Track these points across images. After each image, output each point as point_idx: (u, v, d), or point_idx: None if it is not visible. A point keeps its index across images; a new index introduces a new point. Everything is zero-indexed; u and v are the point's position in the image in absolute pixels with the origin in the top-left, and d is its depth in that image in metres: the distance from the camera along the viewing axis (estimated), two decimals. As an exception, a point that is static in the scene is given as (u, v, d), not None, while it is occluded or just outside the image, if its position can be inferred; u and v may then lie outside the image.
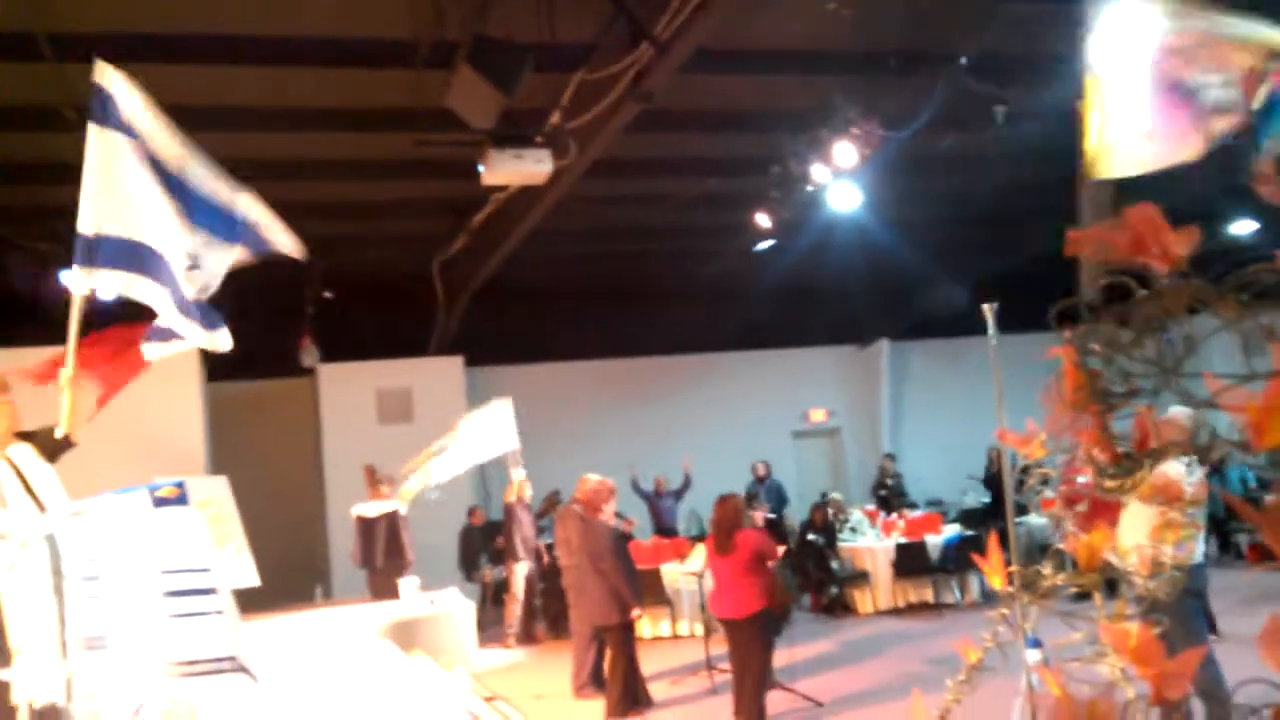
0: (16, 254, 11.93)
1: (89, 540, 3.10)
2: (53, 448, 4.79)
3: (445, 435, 11.61)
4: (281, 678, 5.43)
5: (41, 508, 4.37)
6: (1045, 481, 2.79)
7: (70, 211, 11.51)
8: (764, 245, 13.46)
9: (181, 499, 2.92)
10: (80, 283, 4.67)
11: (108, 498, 3.09)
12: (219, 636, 2.80)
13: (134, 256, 4.71)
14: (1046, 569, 2.63)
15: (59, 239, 11.92)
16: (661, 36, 7.18)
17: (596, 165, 9.89)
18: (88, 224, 4.75)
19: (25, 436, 4.76)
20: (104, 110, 4.78)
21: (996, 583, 2.73)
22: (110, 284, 4.62)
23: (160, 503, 2.93)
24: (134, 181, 4.76)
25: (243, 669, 2.82)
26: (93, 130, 4.77)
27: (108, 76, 4.85)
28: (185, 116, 9.50)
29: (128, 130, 4.78)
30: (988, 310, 5.05)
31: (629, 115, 8.33)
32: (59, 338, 5.03)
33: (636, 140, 9.87)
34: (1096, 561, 2.61)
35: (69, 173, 10.60)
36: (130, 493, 2.99)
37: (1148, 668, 2.03)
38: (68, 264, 12.31)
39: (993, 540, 2.73)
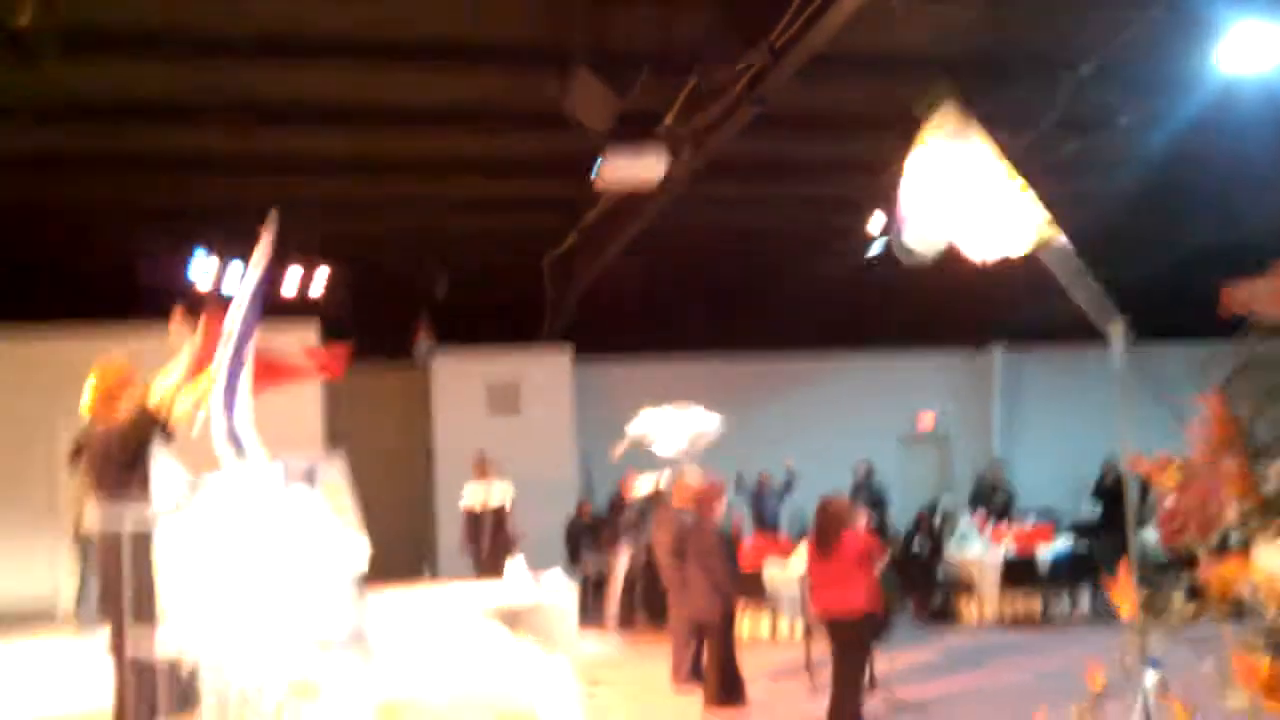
0: (152, 245, 12.48)
1: (222, 514, 3.33)
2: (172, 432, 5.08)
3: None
4: (395, 653, 5.65)
5: (179, 486, 4.68)
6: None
7: (192, 202, 11.99)
8: (876, 248, 13.36)
9: (311, 478, 3.12)
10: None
11: (241, 474, 3.30)
12: (342, 612, 2.98)
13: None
14: (1176, 596, 2.63)
15: (180, 229, 12.54)
16: (777, 42, 7.24)
17: (709, 166, 9.98)
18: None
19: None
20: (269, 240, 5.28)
21: (1125, 609, 2.74)
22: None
23: (291, 482, 3.13)
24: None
25: (363, 644, 3.00)
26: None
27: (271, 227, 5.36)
28: (314, 114, 9.99)
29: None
30: (1116, 326, 4.96)
31: (743, 118, 8.40)
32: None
33: (749, 142, 9.92)
34: (1229, 593, 2.60)
35: (204, 167, 11.19)
36: (266, 470, 3.19)
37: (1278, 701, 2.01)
38: (189, 252, 12.72)
39: (1124, 566, 2.73)
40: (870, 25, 7.79)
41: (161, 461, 4.71)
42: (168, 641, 3.90)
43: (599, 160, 8.49)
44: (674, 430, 11.77)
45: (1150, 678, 4.14)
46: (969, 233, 5.66)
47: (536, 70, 8.33)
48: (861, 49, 8.65)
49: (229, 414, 4.87)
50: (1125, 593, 2.71)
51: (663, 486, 12.14)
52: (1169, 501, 3.25)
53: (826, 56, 7.87)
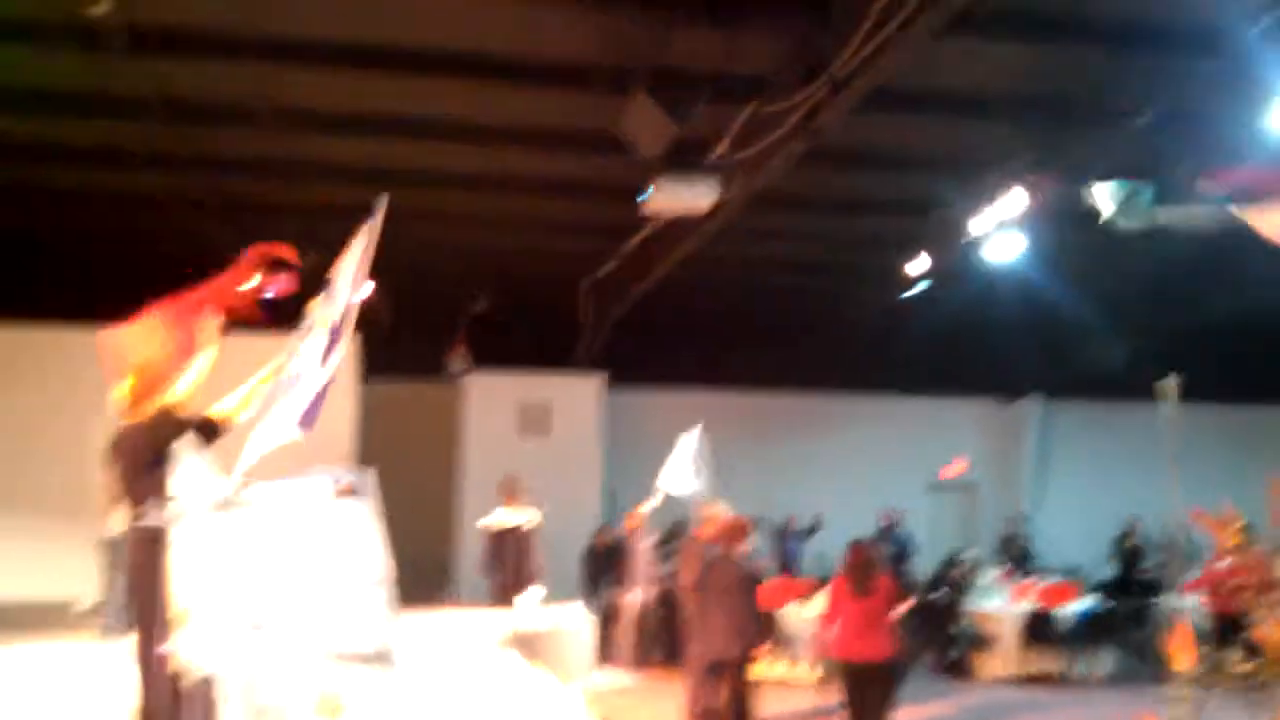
0: (197, 246, 12.51)
1: (261, 524, 3.23)
2: (213, 433, 4.95)
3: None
4: (416, 674, 5.53)
5: (209, 491, 4.56)
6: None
7: (250, 206, 12.03)
8: (918, 290, 13.22)
9: (359, 493, 3.02)
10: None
11: (288, 484, 3.21)
12: (376, 629, 2.87)
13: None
14: (1236, 656, 2.51)
15: (237, 230, 12.56)
16: (839, 73, 7.15)
17: (755, 197, 9.89)
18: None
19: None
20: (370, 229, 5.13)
21: (1183, 664, 2.62)
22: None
23: (339, 495, 3.03)
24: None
25: (391, 662, 2.89)
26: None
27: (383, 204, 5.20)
28: (367, 124, 9.97)
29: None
30: (1169, 384, 4.83)
31: (796, 150, 8.30)
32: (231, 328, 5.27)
33: (798, 174, 9.83)
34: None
35: (250, 169, 11.19)
36: (311, 480, 3.10)
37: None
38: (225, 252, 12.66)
39: (1180, 627, 2.61)
40: (932, 62, 7.71)
41: (190, 464, 4.62)
42: (192, 651, 3.79)
43: (648, 186, 8.41)
44: (681, 469, 11.70)
45: None
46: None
47: (593, 91, 8.27)
48: (919, 87, 8.57)
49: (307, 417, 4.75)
50: (1183, 647, 2.59)
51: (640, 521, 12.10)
52: (1225, 561, 3.15)
53: (885, 92, 7.78)
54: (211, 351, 4.90)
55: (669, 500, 12.36)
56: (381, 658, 2.84)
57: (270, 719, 3.30)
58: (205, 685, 3.82)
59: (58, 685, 7.76)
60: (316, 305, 4.95)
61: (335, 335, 4.63)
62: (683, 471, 11.72)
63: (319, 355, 4.60)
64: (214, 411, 4.93)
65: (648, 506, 12.17)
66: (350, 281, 4.85)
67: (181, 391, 4.80)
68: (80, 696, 7.12)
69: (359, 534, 2.96)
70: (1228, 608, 9.33)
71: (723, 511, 8.99)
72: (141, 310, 5.04)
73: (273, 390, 4.71)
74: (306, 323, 4.97)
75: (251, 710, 3.34)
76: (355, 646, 2.88)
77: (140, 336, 4.92)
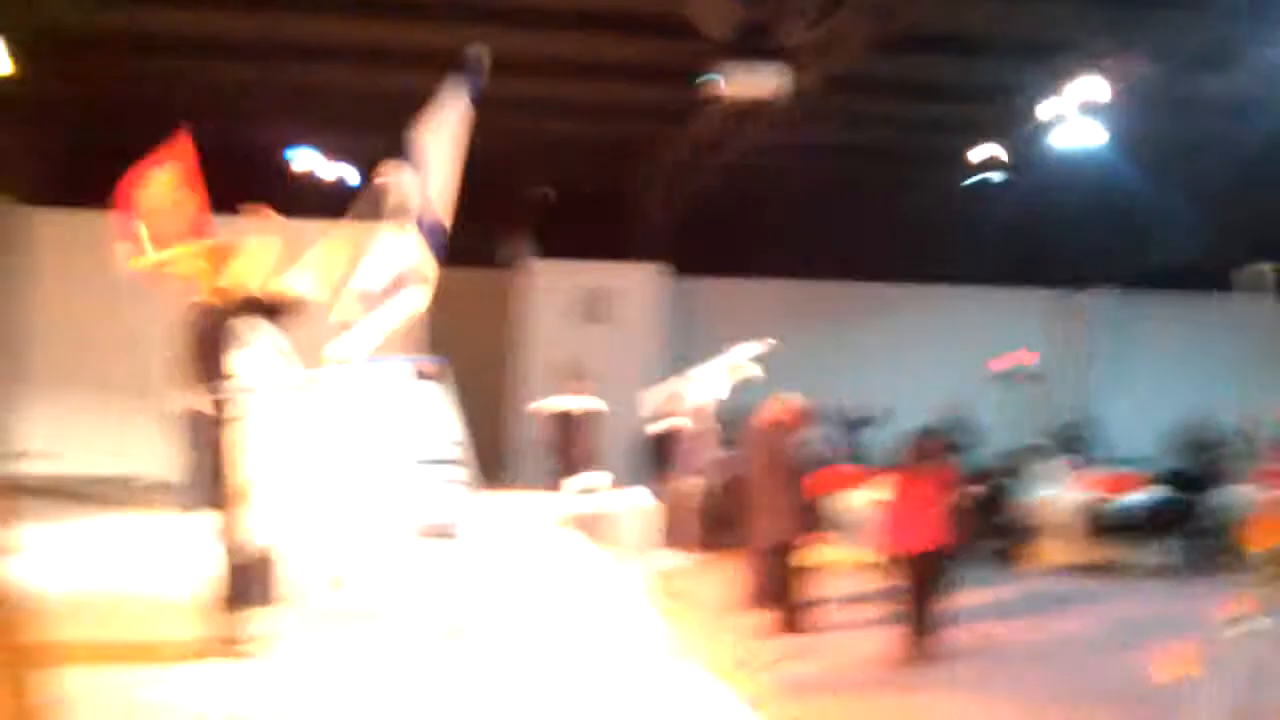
0: (272, 131, 12.59)
1: (342, 403, 3.34)
2: (283, 312, 5.04)
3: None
4: (483, 549, 5.73)
5: (279, 371, 4.67)
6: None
7: (321, 91, 12.01)
8: (990, 177, 12.95)
9: (437, 375, 3.11)
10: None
11: (366, 366, 3.31)
12: (458, 504, 2.99)
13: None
14: None
15: (300, 116, 12.63)
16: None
17: (822, 83, 9.68)
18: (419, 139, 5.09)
19: (257, 302, 5.06)
20: (471, 85, 5.18)
21: (1263, 546, 2.67)
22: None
23: (419, 376, 3.13)
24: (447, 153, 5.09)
25: (472, 537, 3.01)
26: (459, 100, 5.11)
27: (482, 56, 5.26)
28: (428, 7, 9.87)
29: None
30: (1259, 273, 4.71)
31: (867, 33, 8.10)
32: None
33: (869, 59, 9.59)
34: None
35: (320, 56, 11.17)
36: (392, 362, 3.19)
37: None
38: (314, 143, 12.97)
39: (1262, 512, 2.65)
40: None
41: (262, 344, 4.72)
42: (264, 522, 3.95)
43: (714, 71, 8.28)
44: (712, 377, 11.68)
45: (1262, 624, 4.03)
46: None
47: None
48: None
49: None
50: (1265, 530, 2.63)
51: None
52: None
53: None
54: (271, 239, 5.00)
55: (736, 387, 12.45)
56: (458, 532, 2.97)
57: (342, 588, 3.46)
58: (276, 556, 3.98)
59: (135, 556, 8.14)
60: (394, 183, 5.01)
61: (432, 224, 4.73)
62: (713, 380, 11.71)
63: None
64: (280, 289, 5.03)
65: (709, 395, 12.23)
66: (441, 158, 4.89)
67: (240, 274, 4.90)
68: (158, 567, 7.49)
69: (436, 415, 3.07)
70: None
71: (791, 399, 9.06)
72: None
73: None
74: (395, 206, 5.06)
75: (323, 580, 3.49)
76: (442, 519, 3.01)
77: (161, 194, 5.02)
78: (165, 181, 5.15)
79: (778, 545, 8.70)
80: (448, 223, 5.08)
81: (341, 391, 3.44)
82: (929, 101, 11.99)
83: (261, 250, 5.04)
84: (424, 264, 5.16)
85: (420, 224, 5.06)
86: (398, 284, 5.10)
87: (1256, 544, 2.63)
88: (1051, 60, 9.64)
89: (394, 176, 5.03)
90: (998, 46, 10.12)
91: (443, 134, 5.10)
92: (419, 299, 4.94)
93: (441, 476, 3.03)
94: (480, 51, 5.23)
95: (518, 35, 10.40)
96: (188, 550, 4.91)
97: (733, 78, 8.09)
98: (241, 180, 12.54)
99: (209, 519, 4.78)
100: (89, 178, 13.06)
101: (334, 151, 12.46)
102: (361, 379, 3.27)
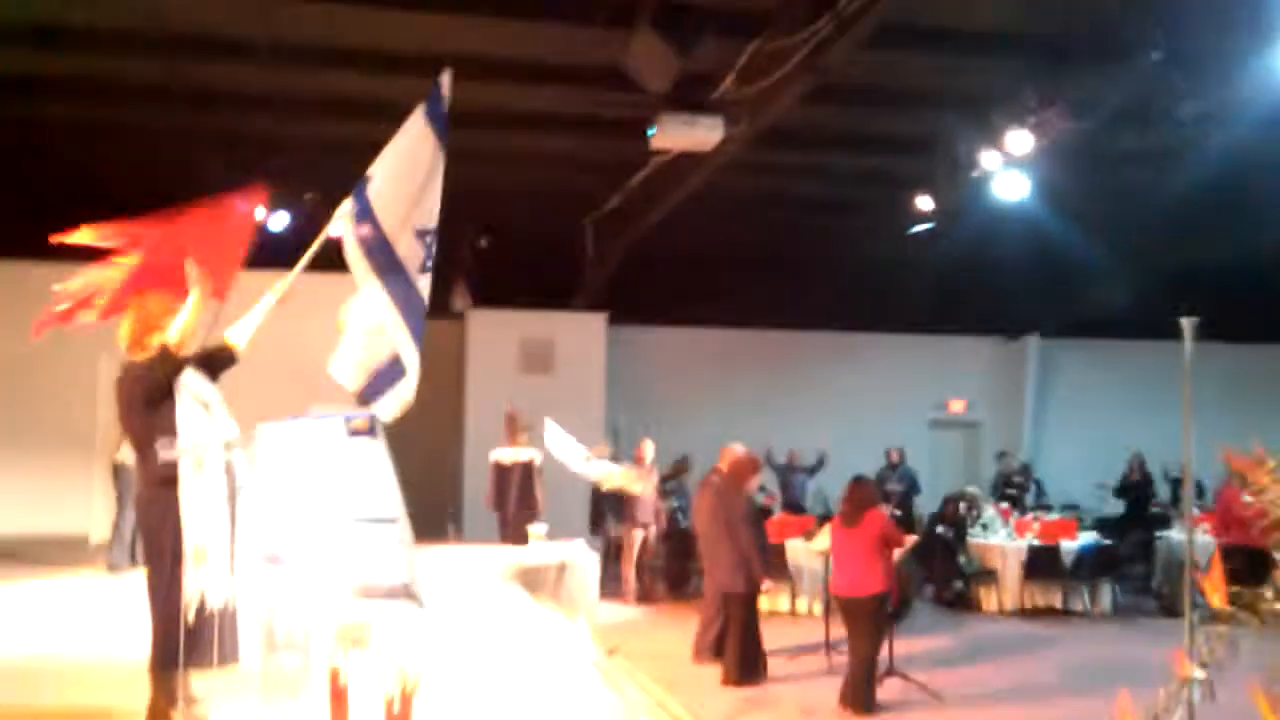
0: (199, 180, 12.47)
1: (278, 461, 3.27)
2: (217, 365, 4.95)
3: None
4: (429, 612, 5.62)
5: (218, 428, 4.57)
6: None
7: (251, 140, 11.95)
8: (922, 228, 13.19)
9: (372, 431, 3.06)
10: (338, 222, 4.91)
11: (303, 423, 3.25)
12: (397, 564, 2.93)
13: (373, 237, 4.97)
14: (1269, 592, 2.58)
15: (237, 168, 12.51)
16: (845, 9, 7.07)
17: (761, 133, 9.82)
18: (371, 188, 5.04)
19: (192, 358, 4.94)
20: (435, 109, 5.19)
21: (1216, 600, 2.68)
22: (342, 231, 4.86)
23: (354, 433, 3.07)
24: (420, 183, 5.08)
25: (414, 596, 2.95)
26: (419, 120, 5.11)
27: (446, 80, 5.27)
28: (367, 59, 9.85)
29: (442, 139, 5.17)
30: (1186, 323, 4.83)
31: (802, 87, 8.24)
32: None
33: (804, 111, 9.76)
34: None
35: (251, 103, 11.11)
36: (325, 420, 3.14)
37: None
38: (244, 192, 12.80)
39: (1216, 559, 2.67)
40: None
41: (200, 401, 4.62)
42: (206, 584, 3.85)
43: (653, 122, 8.35)
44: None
45: (1199, 673, 4.05)
46: None
47: (597, 25, 8.17)
48: (925, 23, 8.49)
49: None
50: (1216, 585, 2.65)
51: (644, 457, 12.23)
52: (1260, 500, 3.20)
53: (892, 28, 7.70)
54: (199, 291, 4.88)
55: (676, 436, 12.49)
56: (406, 592, 2.91)
57: (288, 651, 3.37)
58: (220, 618, 3.88)
59: (68, 619, 7.87)
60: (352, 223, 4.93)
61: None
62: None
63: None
64: (218, 343, 4.94)
65: (650, 447, 12.29)
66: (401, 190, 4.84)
67: (178, 330, 4.80)
68: (91, 631, 7.24)
69: (374, 471, 3.01)
70: (1243, 541, 9.43)
71: (737, 449, 9.09)
72: (120, 233, 5.06)
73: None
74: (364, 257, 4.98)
75: (265, 641, 3.40)
76: (380, 580, 2.95)
77: (122, 271, 4.93)
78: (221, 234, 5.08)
79: (727, 594, 8.68)
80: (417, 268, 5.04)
81: (281, 449, 3.37)
82: (865, 153, 12.20)
83: (197, 305, 4.94)
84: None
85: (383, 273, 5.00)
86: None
87: (1209, 597, 2.65)
88: (984, 114, 9.87)
89: (345, 224, 4.96)
90: (931, 100, 10.34)
91: (403, 164, 5.08)
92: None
93: (382, 535, 2.97)
94: (445, 76, 5.24)
95: (458, 86, 10.39)
96: (124, 611, 4.75)
97: (671, 130, 8.17)
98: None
99: (142, 578, 4.62)
100: (11, 228, 12.88)
101: (272, 202, 12.33)
102: (298, 436, 3.20)
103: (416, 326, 5.04)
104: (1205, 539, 11.22)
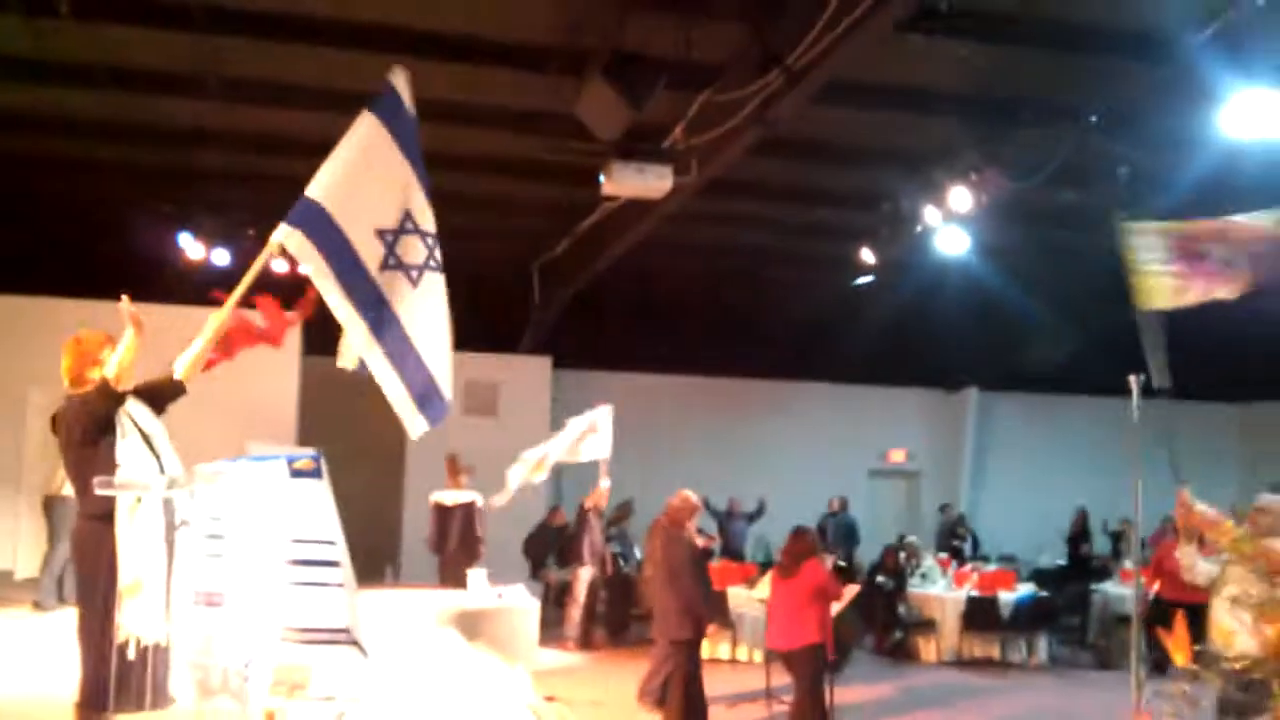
0: (140, 215, 12.37)
1: (218, 501, 3.22)
2: (162, 399, 4.91)
3: (548, 439, 11.77)
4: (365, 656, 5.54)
5: (160, 463, 4.51)
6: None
7: (195, 176, 11.84)
8: (864, 280, 13.39)
9: (316, 472, 3.03)
10: (279, 234, 4.83)
11: (245, 463, 3.20)
12: (337, 608, 2.89)
13: (330, 241, 4.87)
14: (1231, 652, 2.62)
15: (181, 203, 12.42)
16: (794, 65, 7.21)
17: (709, 184, 9.94)
18: (315, 189, 4.96)
19: (135, 391, 4.90)
20: (387, 107, 5.11)
21: (1179, 659, 2.73)
22: (299, 249, 4.76)
23: (296, 474, 3.04)
24: (376, 180, 5.01)
25: (355, 642, 2.90)
26: (368, 119, 5.05)
27: (400, 80, 5.21)
28: (313, 97, 9.84)
29: (401, 137, 5.09)
30: (1133, 381, 4.96)
31: (751, 139, 8.37)
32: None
33: (751, 163, 9.90)
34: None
35: (196, 139, 11.04)
36: (267, 461, 3.10)
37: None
38: (187, 227, 12.74)
39: (1179, 618, 2.72)
40: (888, 58, 7.79)
41: (139, 439, 4.56)
42: (140, 622, 3.77)
43: (604, 169, 8.43)
44: (565, 438, 11.81)
45: None
46: None
47: (549, 73, 8.26)
48: (871, 81, 8.66)
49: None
50: (1180, 644, 2.70)
51: (601, 499, 12.17)
52: (1221, 555, 3.27)
53: (840, 84, 7.87)
54: (131, 330, 4.82)
55: (619, 482, 12.44)
56: (348, 637, 2.86)
57: (220, 692, 3.30)
58: (152, 657, 3.80)
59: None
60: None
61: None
62: (597, 439, 11.78)
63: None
64: (164, 376, 4.89)
65: (606, 483, 12.22)
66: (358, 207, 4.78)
67: (114, 364, 4.74)
68: (17, 669, 7.02)
69: (316, 512, 2.97)
70: (1184, 596, 9.58)
71: (683, 493, 9.06)
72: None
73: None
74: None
75: (200, 683, 3.33)
76: (320, 624, 2.90)
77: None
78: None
79: (671, 641, 8.62)
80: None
81: (222, 488, 3.32)
82: (810, 205, 12.39)
83: (132, 340, 4.88)
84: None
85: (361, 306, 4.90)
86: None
87: (1172, 654, 2.70)
88: (927, 170, 10.09)
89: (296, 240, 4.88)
90: (876, 155, 10.55)
91: (352, 166, 5.01)
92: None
93: (324, 578, 2.93)
94: (398, 75, 5.20)
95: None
96: (51, 650, 4.62)
97: (621, 177, 8.25)
98: (119, 265, 12.27)
99: (85, 615, 4.52)
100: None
101: (210, 236, 12.23)
102: (240, 475, 3.16)
103: (375, 320, 4.92)
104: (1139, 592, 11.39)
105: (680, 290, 16.28)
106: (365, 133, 5.10)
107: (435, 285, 5.21)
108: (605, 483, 12.17)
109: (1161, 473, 5.88)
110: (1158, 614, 10.20)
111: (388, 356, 4.85)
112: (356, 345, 4.81)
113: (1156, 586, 10.49)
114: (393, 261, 5.06)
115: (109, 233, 12.49)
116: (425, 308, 5.09)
